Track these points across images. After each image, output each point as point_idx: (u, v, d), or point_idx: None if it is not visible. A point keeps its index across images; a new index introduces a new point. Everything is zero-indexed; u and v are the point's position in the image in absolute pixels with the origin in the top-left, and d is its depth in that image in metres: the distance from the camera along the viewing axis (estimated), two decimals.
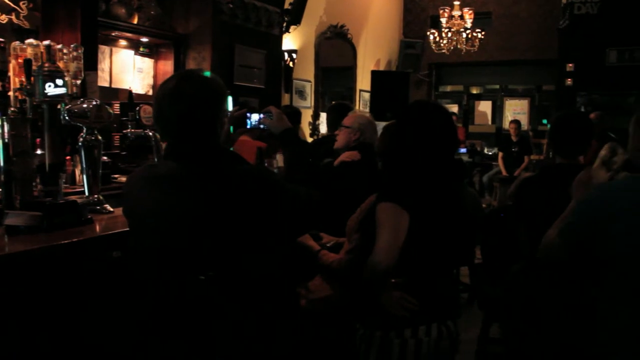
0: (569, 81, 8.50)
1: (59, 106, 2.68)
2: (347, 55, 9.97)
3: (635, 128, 2.26)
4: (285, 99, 8.09)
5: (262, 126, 2.52)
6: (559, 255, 2.29)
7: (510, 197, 3.43)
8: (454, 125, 2.31)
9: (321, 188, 2.19)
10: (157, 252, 1.86)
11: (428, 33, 9.94)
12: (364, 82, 10.01)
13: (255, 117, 2.54)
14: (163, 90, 1.91)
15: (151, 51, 5.82)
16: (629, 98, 8.45)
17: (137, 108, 4.20)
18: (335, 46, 9.50)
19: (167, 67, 5.80)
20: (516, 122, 9.77)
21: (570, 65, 8.48)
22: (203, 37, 5.73)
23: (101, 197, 2.80)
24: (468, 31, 9.62)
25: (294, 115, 5.01)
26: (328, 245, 2.92)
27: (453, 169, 2.29)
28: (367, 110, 9.38)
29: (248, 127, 2.57)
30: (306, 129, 8.60)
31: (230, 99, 3.81)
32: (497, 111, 12.02)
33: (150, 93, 5.74)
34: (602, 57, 8.21)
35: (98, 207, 2.75)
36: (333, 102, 6.64)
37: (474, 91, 12.69)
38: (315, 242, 2.90)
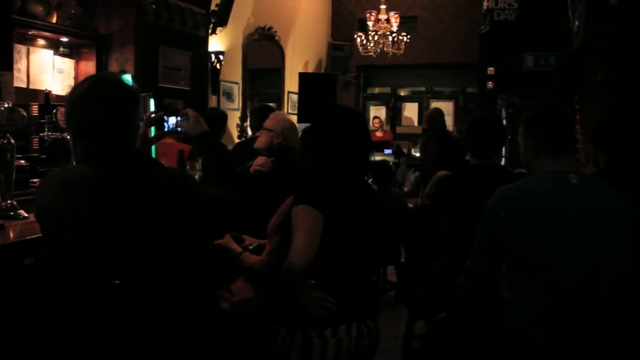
0: (490, 84, 8.79)
1: None
2: (275, 57, 9.97)
3: (527, 132, 2.33)
4: (213, 101, 8.02)
5: (179, 129, 2.51)
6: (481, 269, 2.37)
7: (428, 197, 3.54)
8: (366, 129, 2.35)
9: (238, 191, 2.21)
10: (69, 258, 1.82)
11: (355, 36, 10.06)
12: (292, 84, 10.03)
13: (172, 120, 2.52)
14: (75, 94, 1.89)
15: (72, 51, 5.63)
16: (545, 101, 8.79)
17: (55, 111, 4.09)
18: (264, 48, 9.48)
19: (89, 68, 5.63)
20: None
21: (491, 69, 8.77)
22: (126, 37, 5.60)
23: (15, 203, 2.72)
24: (394, 35, 9.79)
25: (219, 117, 4.97)
26: (250, 247, 2.92)
27: (367, 171, 2.34)
28: (296, 112, 9.43)
29: (165, 130, 2.55)
30: (234, 131, 8.56)
31: (152, 101, 3.76)
32: (424, 113, 12.28)
33: None
34: (520, 62, 8.52)
35: (12, 213, 2.67)
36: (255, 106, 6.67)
37: (402, 93, 12.93)
38: (238, 244, 2.90)
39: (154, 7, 5.47)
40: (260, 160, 3.34)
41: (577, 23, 4.17)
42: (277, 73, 10.13)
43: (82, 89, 1.88)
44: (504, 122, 9.48)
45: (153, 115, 2.46)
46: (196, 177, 4.12)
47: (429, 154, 6.78)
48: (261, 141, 3.46)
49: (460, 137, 8.35)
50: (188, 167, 4.03)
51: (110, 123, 1.85)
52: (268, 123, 3.49)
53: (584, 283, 2.05)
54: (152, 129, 2.52)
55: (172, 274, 1.89)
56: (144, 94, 3.78)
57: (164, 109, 5.73)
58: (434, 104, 12.06)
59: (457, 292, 2.53)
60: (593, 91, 3.63)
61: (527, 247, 2.11)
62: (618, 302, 2.08)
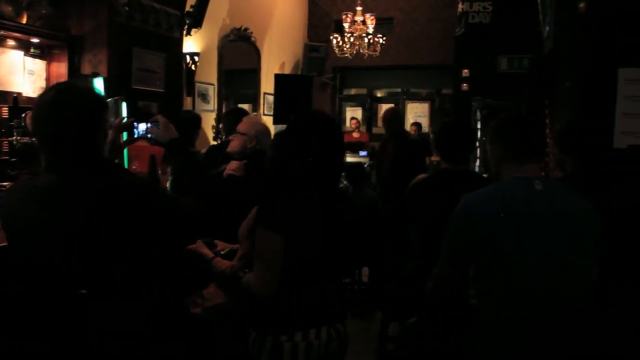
0: (464, 86, 8.86)
1: None
2: (251, 58, 9.95)
3: (494, 138, 2.35)
4: (188, 102, 7.99)
5: (149, 135, 2.51)
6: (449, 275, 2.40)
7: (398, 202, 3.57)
8: (337, 136, 2.34)
9: (208, 198, 2.21)
10: (34, 267, 1.81)
11: (331, 37, 10.07)
12: (268, 85, 10.02)
13: (142, 127, 2.52)
14: (41, 102, 1.87)
15: (43, 52, 5.56)
16: (518, 103, 8.89)
17: (24, 115, 4.04)
18: (239, 49, 9.46)
19: (61, 69, 5.57)
20: (417, 125, 10.12)
21: (466, 71, 8.85)
22: (99, 39, 5.54)
23: None
24: (370, 36, 9.83)
25: (194, 120, 4.95)
26: (222, 252, 2.91)
27: (340, 176, 2.34)
28: (272, 113, 9.43)
29: (135, 136, 2.55)
30: (209, 133, 8.53)
31: (124, 105, 3.74)
32: (400, 114, 12.35)
33: None
34: (494, 64, 8.61)
35: None
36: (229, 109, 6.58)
37: (378, 94, 12.98)
38: (210, 249, 2.89)
39: (127, 9, 5.41)
40: (233, 164, 3.33)
41: (547, 29, 4.23)
42: (253, 74, 10.11)
43: (49, 96, 1.86)
44: (479, 123, 9.63)
45: (123, 121, 2.46)
46: (168, 181, 4.10)
47: (387, 158, 6.04)
48: (234, 145, 3.44)
49: (418, 138, 8.37)
50: (160, 171, 4.01)
51: (77, 132, 1.84)
52: (241, 127, 3.47)
53: (549, 288, 2.08)
54: (124, 134, 2.52)
55: (139, 283, 1.88)
56: (116, 98, 3.77)
57: (138, 111, 5.72)
58: (410, 105, 12.17)
59: (425, 297, 2.56)
60: (562, 97, 3.68)
61: (492, 253, 2.14)
62: (582, 307, 2.12)
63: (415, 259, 3.42)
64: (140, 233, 1.88)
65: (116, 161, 2.97)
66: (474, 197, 2.23)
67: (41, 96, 1.90)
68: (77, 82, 1.95)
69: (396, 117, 6.21)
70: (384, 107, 12.56)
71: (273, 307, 2.16)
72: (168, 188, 3.78)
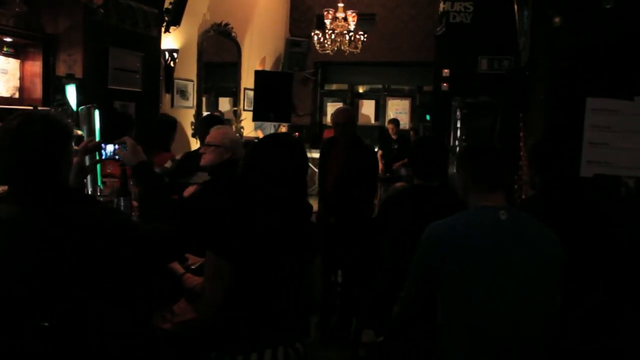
0: (445, 86, 8.88)
1: None
2: (232, 53, 9.89)
3: (459, 166, 2.38)
4: (167, 99, 7.93)
5: (116, 157, 2.48)
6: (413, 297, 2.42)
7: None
8: (298, 159, 2.31)
9: (176, 222, 2.20)
10: None
11: (312, 34, 10.03)
12: (248, 80, 9.97)
13: (110, 148, 2.49)
14: (3, 132, 1.84)
15: (17, 51, 5.47)
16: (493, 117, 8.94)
17: None
18: (220, 43, 9.39)
19: (35, 68, 5.48)
20: (394, 122, 10.12)
21: (446, 70, 8.85)
22: (74, 38, 5.45)
23: None
24: (351, 33, 9.80)
25: (170, 124, 4.90)
26: (193, 267, 2.90)
27: (300, 198, 2.30)
28: (252, 109, 9.40)
29: (103, 158, 2.52)
30: (188, 129, 8.48)
31: (97, 113, 3.68)
32: (380, 110, 12.38)
33: (17, 96, 5.42)
34: (474, 64, 8.62)
35: None
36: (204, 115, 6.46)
37: (359, 90, 12.97)
38: (181, 264, 2.88)
39: (102, 10, 5.33)
40: (190, 189, 3.36)
41: (523, 39, 4.25)
42: (234, 67, 10.04)
43: (11, 126, 1.84)
44: (458, 122, 9.69)
45: (90, 143, 2.43)
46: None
47: (334, 165, 4.87)
48: (210, 158, 3.38)
49: (371, 145, 8.09)
50: (132, 183, 3.99)
51: (39, 163, 1.82)
52: (213, 139, 3.42)
53: (508, 321, 2.10)
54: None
55: (104, 312, 1.88)
56: (89, 106, 3.72)
57: (114, 112, 5.65)
58: (391, 102, 12.18)
59: (392, 321, 2.58)
60: (536, 110, 3.70)
61: (454, 284, 2.16)
62: (541, 341, 2.15)
63: (386, 269, 3.47)
64: (104, 264, 1.87)
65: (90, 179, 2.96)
66: (440, 227, 2.25)
67: (3, 126, 1.87)
68: (41, 112, 1.94)
69: (350, 119, 4.98)
70: (365, 102, 12.62)
71: (227, 327, 2.17)
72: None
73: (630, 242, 2.68)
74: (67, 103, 3.88)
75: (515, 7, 4.48)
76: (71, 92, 3.84)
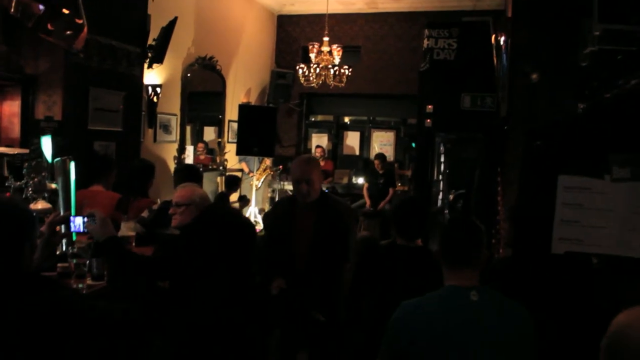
0: (428, 122, 8.91)
1: None
2: (216, 84, 9.87)
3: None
4: (149, 135, 7.89)
5: (85, 230, 2.45)
6: None
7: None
8: (241, 234, 2.31)
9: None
10: None
11: (297, 67, 10.06)
12: (233, 112, 9.96)
13: (79, 221, 2.46)
14: None
15: None
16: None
17: None
18: (205, 76, 9.37)
19: (14, 108, 5.44)
20: (380, 157, 10.16)
21: (430, 106, 8.89)
22: (54, 79, 5.42)
23: None
24: (336, 68, 9.84)
25: (147, 170, 4.85)
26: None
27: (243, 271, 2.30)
28: (235, 142, 9.40)
29: (71, 230, 2.49)
30: (170, 164, 8.43)
31: (73, 166, 3.65)
32: (365, 142, 12.40)
33: None
34: (457, 101, 8.68)
35: None
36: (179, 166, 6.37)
37: (345, 120, 13.00)
38: None
39: (81, 55, 5.30)
40: None
41: (500, 94, 4.27)
42: (219, 97, 10.00)
43: None
44: (442, 156, 9.74)
45: (58, 217, 2.40)
46: (131, 227, 4.03)
47: (299, 227, 3.75)
48: (181, 219, 3.36)
49: (346, 202, 7.52)
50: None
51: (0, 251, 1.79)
52: (182, 198, 3.39)
53: None
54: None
55: None
56: (64, 158, 3.68)
57: (94, 155, 5.58)
58: (376, 134, 12.23)
59: None
60: (513, 167, 3.71)
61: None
62: None
63: (362, 330, 3.47)
64: (63, 353, 1.82)
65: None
66: (410, 307, 2.23)
67: None
68: (5, 198, 1.91)
69: (314, 172, 3.65)
70: (350, 134, 12.64)
71: None
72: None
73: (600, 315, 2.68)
74: (42, 155, 3.84)
75: (495, 59, 4.51)
76: (46, 144, 3.79)
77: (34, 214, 1.95)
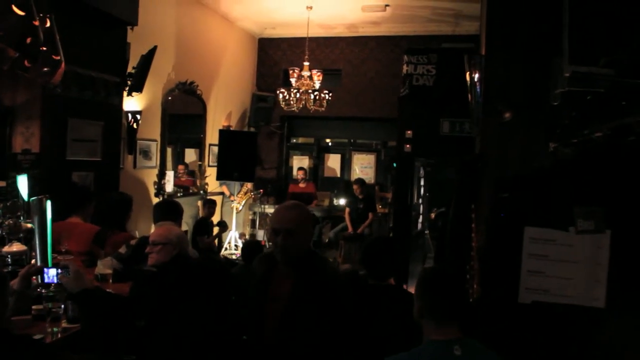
0: (407, 147, 8.99)
1: None
2: (197, 108, 9.88)
3: (416, 292, 2.40)
4: (129, 161, 7.88)
5: (58, 282, 2.46)
6: None
7: None
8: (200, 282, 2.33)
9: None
10: None
11: (278, 92, 10.11)
12: (213, 136, 9.97)
13: (52, 272, 2.47)
14: None
15: None
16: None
17: None
18: (185, 100, 9.38)
19: None
20: (359, 182, 10.23)
21: (409, 132, 8.97)
22: (32, 111, 5.39)
23: None
24: (316, 92, 9.91)
25: (124, 203, 4.86)
26: None
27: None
28: (216, 165, 9.41)
29: (45, 281, 2.49)
30: (151, 189, 8.42)
31: (49, 205, 3.65)
32: (346, 164, 12.47)
33: None
34: (437, 126, 8.77)
35: None
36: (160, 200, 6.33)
37: (326, 141, 13.07)
38: None
39: (59, 90, 5.30)
40: None
41: (475, 130, 4.34)
42: (200, 119, 10.00)
43: None
44: (422, 180, 9.82)
45: (32, 268, 2.41)
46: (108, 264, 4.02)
47: (273, 294, 2.84)
48: (157, 258, 3.38)
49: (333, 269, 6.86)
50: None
51: None
52: (159, 237, 3.42)
53: None
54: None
55: None
56: (40, 197, 3.68)
57: (73, 186, 5.55)
58: (357, 156, 12.30)
59: None
60: (487, 202, 3.76)
61: None
62: None
63: None
64: None
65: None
66: None
67: None
68: None
69: (302, 222, 2.86)
70: (331, 156, 12.70)
71: None
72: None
73: None
74: (18, 193, 3.83)
75: (469, 95, 4.59)
76: (22, 182, 3.79)
77: (3, 274, 1.96)
